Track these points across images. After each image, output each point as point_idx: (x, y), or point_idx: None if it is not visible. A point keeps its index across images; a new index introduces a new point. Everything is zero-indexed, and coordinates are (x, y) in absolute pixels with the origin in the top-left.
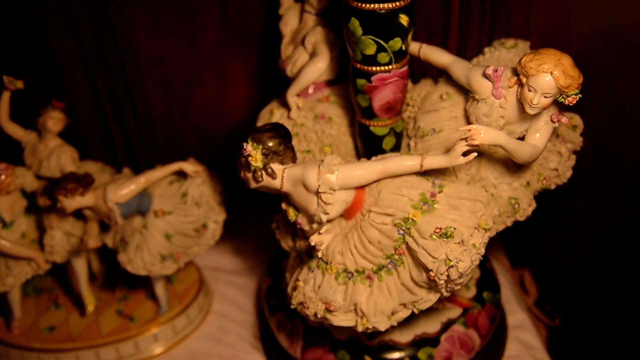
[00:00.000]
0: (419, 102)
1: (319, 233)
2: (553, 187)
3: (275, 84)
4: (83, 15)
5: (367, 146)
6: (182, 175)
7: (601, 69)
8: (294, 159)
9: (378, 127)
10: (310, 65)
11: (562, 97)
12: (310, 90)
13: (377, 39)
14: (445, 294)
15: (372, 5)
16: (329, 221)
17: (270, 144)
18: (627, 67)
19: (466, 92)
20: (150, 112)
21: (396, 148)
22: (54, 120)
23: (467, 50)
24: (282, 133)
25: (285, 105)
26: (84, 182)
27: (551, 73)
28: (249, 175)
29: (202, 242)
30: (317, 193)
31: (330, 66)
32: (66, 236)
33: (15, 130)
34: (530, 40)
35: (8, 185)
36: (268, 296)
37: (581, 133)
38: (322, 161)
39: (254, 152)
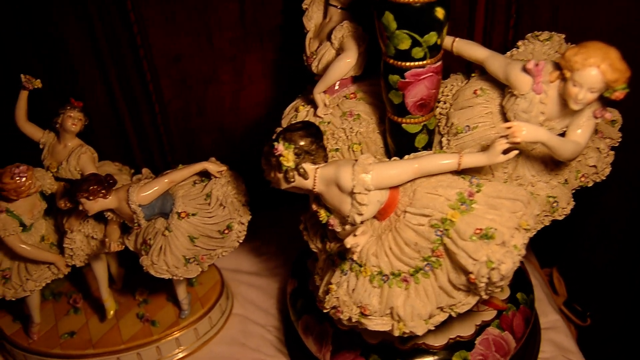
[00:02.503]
0: (450, 98)
1: (354, 235)
2: (591, 184)
3: (294, 80)
4: (99, 13)
5: (399, 144)
6: (205, 175)
7: (630, 61)
8: (325, 159)
9: (410, 125)
10: (339, 61)
11: (609, 92)
12: (336, 87)
13: (412, 33)
14: (484, 296)
15: None
16: (362, 222)
17: (302, 143)
18: None
19: (502, 88)
20: (167, 111)
21: (428, 146)
22: (73, 120)
23: (492, 45)
24: (313, 132)
25: (311, 103)
26: (107, 184)
27: (598, 67)
28: (280, 175)
29: (227, 244)
30: (352, 193)
31: (357, 62)
32: (86, 239)
33: (33, 131)
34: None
35: (28, 188)
36: (293, 299)
37: (619, 128)
38: (356, 161)
39: (285, 152)
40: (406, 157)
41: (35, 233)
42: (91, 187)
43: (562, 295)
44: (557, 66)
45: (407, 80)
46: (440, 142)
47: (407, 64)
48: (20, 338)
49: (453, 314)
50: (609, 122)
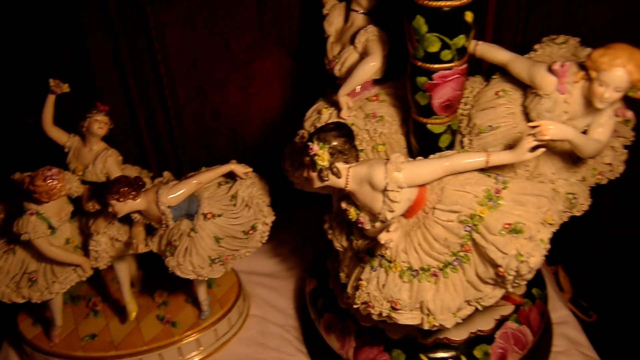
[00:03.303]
0: (471, 99)
1: (387, 231)
2: (605, 181)
3: (308, 84)
4: (119, 17)
5: (423, 144)
6: (229, 177)
7: None
8: (357, 158)
9: (435, 125)
10: (364, 64)
11: (633, 91)
12: (358, 89)
13: (442, 36)
14: (510, 289)
15: (439, 3)
16: (392, 219)
17: (336, 142)
18: None
19: (523, 89)
20: (183, 114)
21: (451, 146)
22: (100, 123)
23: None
24: (346, 132)
25: (333, 105)
26: (136, 186)
27: (624, 67)
28: (314, 174)
29: (250, 244)
30: (384, 191)
31: (381, 65)
32: (111, 241)
33: (59, 135)
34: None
35: (60, 190)
36: (314, 298)
37: (632, 127)
38: (388, 159)
39: (320, 152)
40: (433, 156)
41: (60, 236)
42: (122, 189)
43: (567, 292)
44: (581, 67)
45: (434, 82)
46: (462, 141)
47: (435, 66)
48: (42, 341)
49: (479, 307)
50: (623, 121)
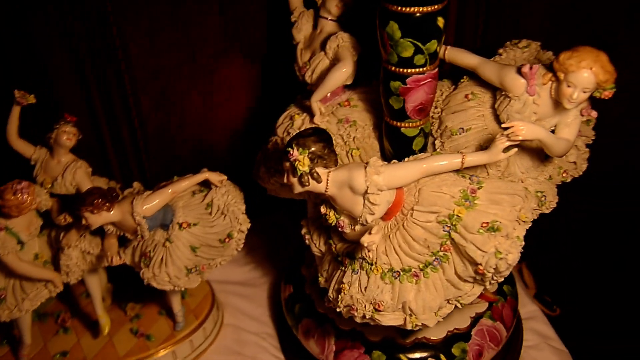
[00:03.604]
0: (441, 103)
1: (369, 233)
2: (569, 179)
3: (274, 91)
4: (80, 27)
5: (397, 147)
6: (203, 185)
7: None
8: (336, 163)
9: (409, 129)
10: (336, 70)
11: (599, 92)
12: (328, 95)
13: (415, 42)
14: (488, 286)
15: (412, 9)
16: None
17: (315, 148)
18: None
19: (492, 92)
20: (147, 125)
21: (424, 148)
22: (68, 134)
23: None
24: (325, 137)
25: (305, 111)
26: (110, 197)
27: (591, 69)
28: (294, 180)
29: (226, 252)
30: (365, 194)
31: (352, 71)
32: (82, 255)
33: (24, 147)
34: None
35: (30, 204)
36: (290, 304)
37: (593, 127)
38: (367, 163)
39: (301, 157)
40: (409, 158)
41: (29, 250)
42: (95, 201)
43: (532, 288)
44: (549, 69)
45: (408, 86)
46: (434, 144)
47: (409, 70)
48: None
49: (459, 305)
50: (584, 121)
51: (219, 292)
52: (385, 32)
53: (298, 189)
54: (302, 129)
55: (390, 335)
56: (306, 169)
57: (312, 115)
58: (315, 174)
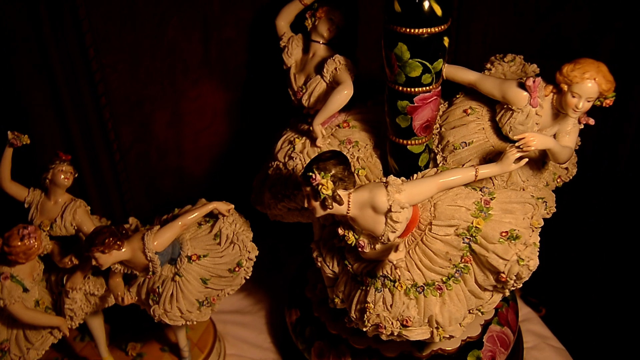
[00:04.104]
0: (439, 119)
1: (395, 251)
2: (561, 184)
3: (256, 117)
4: (59, 60)
5: (403, 165)
6: (207, 215)
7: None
8: (354, 184)
9: (415, 146)
10: (338, 93)
11: (599, 100)
12: None
13: (423, 62)
14: (507, 293)
15: (420, 30)
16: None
17: (335, 170)
18: None
19: (489, 105)
20: (128, 157)
21: (429, 164)
22: (65, 174)
23: None
24: (344, 159)
25: (304, 135)
26: (120, 235)
27: (594, 79)
28: (316, 204)
29: (235, 282)
30: (387, 213)
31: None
32: (85, 297)
33: (18, 190)
34: (488, 56)
35: (38, 249)
36: (299, 328)
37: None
38: (387, 182)
39: (324, 181)
40: (422, 175)
41: (29, 298)
42: (106, 240)
43: (516, 291)
44: (550, 81)
45: (416, 105)
46: (435, 159)
47: (417, 89)
48: None
49: (480, 314)
50: None
51: (216, 323)
52: (394, 54)
53: (320, 212)
54: (305, 152)
55: (407, 349)
56: (330, 192)
57: (312, 138)
58: (337, 197)
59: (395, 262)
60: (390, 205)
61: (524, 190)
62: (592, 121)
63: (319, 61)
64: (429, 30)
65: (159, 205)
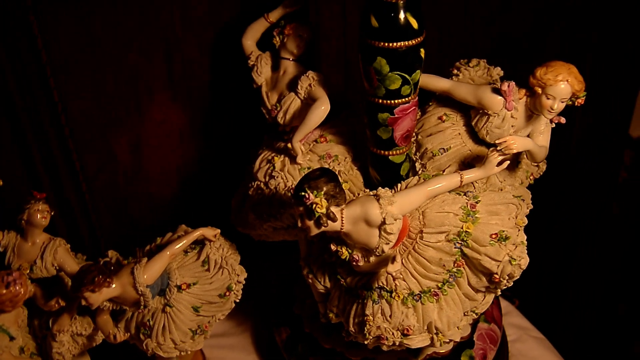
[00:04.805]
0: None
1: (392, 262)
2: (533, 181)
3: (224, 136)
4: (19, 93)
5: (385, 175)
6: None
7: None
8: (345, 199)
9: (397, 156)
10: (315, 109)
11: (571, 100)
12: None
13: (402, 74)
14: (499, 293)
15: (398, 44)
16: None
17: (327, 188)
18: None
19: (463, 111)
20: (94, 186)
21: (409, 172)
22: (42, 213)
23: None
24: (333, 176)
25: (279, 152)
26: (109, 271)
27: (567, 81)
28: (310, 223)
29: (226, 306)
30: (381, 225)
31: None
32: (73, 338)
33: None
34: (444, 61)
35: (24, 295)
36: (291, 345)
37: None
38: (377, 195)
39: (317, 200)
40: (404, 184)
41: (15, 345)
42: (96, 279)
43: None
44: (524, 84)
45: (396, 116)
46: (414, 166)
47: (396, 101)
48: None
49: (475, 316)
50: None
51: (203, 348)
52: (372, 68)
53: (315, 231)
54: (285, 170)
55: (403, 356)
56: (324, 210)
57: (290, 155)
58: (331, 214)
59: (394, 274)
60: (384, 218)
61: (502, 190)
62: (563, 120)
63: (291, 78)
64: (406, 43)
65: (131, 234)
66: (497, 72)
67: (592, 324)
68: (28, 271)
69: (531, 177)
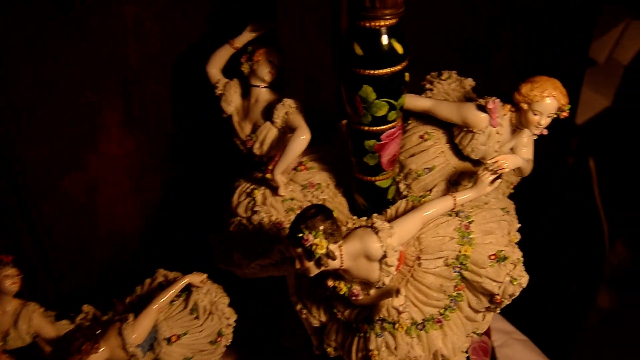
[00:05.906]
0: None
1: (396, 296)
2: (513, 190)
3: (189, 168)
4: None
5: (372, 200)
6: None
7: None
8: (341, 235)
9: (383, 180)
10: (296, 139)
11: (556, 113)
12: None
13: (389, 100)
14: (498, 311)
15: (383, 70)
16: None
17: (324, 226)
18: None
19: (443, 128)
20: (54, 235)
21: (395, 196)
22: (12, 278)
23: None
24: (329, 212)
25: (259, 184)
26: (95, 336)
27: (553, 96)
28: (310, 264)
29: (217, 352)
30: (382, 259)
31: None
32: None
33: None
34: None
35: None
36: None
37: None
38: (374, 227)
39: (317, 241)
40: (394, 209)
41: None
42: (83, 347)
43: None
44: (509, 101)
45: (383, 142)
46: (398, 188)
47: (383, 127)
48: None
49: (476, 336)
50: None
51: None
52: (358, 96)
53: (314, 271)
54: (268, 203)
55: None
56: (324, 251)
57: (271, 187)
58: (331, 253)
59: (400, 308)
60: (385, 252)
61: (487, 203)
62: (545, 132)
63: (264, 106)
64: (392, 69)
65: (97, 278)
66: (469, 82)
67: (571, 320)
68: (2, 343)
69: (511, 187)
